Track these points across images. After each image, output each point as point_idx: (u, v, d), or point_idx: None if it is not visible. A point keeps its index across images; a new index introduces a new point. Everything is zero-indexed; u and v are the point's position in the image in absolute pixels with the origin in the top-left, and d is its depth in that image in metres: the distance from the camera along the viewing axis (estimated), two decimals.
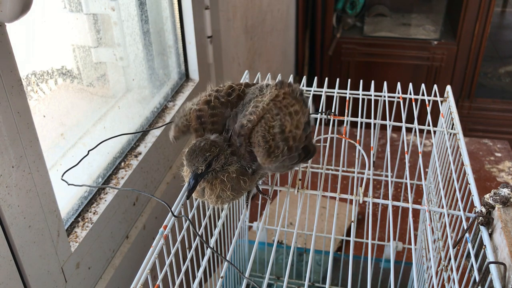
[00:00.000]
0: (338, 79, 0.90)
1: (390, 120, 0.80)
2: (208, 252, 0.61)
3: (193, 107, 0.63)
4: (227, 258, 0.57)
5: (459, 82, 2.66)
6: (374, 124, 0.83)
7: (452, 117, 0.80)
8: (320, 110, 0.83)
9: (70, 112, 0.86)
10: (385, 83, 0.88)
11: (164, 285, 0.55)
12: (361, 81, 0.90)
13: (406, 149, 0.76)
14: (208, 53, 1.32)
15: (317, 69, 2.79)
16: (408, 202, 0.63)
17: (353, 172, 0.76)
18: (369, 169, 0.70)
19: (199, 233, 0.60)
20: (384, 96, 0.86)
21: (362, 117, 0.83)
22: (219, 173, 0.59)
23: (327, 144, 0.78)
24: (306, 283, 0.54)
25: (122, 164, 0.96)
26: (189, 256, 0.62)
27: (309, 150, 0.62)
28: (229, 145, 0.60)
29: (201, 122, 0.61)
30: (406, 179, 0.70)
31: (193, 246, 0.63)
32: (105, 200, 0.86)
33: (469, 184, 0.64)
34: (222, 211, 0.67)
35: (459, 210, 0.62)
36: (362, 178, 0.67)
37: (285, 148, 0.58)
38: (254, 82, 0.73)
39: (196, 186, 0.57)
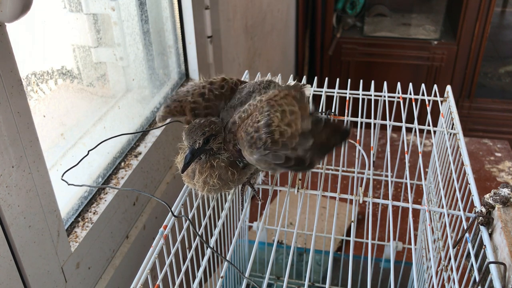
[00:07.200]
0: (338, 79, 0.90)
1: (390, 120, 0.80)
2: (208, 252, 0.60)
3: (188, 96, 0.63)
4: (227, 258, 0.57)
5: (459, 82, 2.66)
6: (374, 124, 0.83)
7: (452, 117, 0.80)
8: (320, 110, 0.83)
9: (70, 112, 0.86)
10: (385, 83, 0.88)
11: (164, 285, 0.55)
12: (361, 81, 0.89)
13: (406, 149, 0.76)
14: (208, 53, 1.32)
15: (317, 69, 2.79)
16: (408, 202, 0.63)
17: (353, 172, 0.76)
18: (369, 169, 0.70)
19: (199, 233, 0.60)
20: (384, 96, 0.86)
21: (362, 117, 0.83)
22: (211, 157, 0.60)
23: None
24: (306, 283, 0.54)
25: (122, 164, 0.96)
26: (189, 256, 0.62)
27: (303, 161, 0.56)
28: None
29: (195, 114, 0.61)
30: (406, 179, 0.70)
31: (193, 246, 0.63)
32: (105, 200, 0.86)
33: (469, 184, 0.64)
34: (222, 210, 0.67)
35: (459, 210, 0.62)
36: (362, 178, 0.67)
37: (269, 140, 0.55)
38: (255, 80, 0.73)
39: (192, 161, 0.58)
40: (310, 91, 0.76)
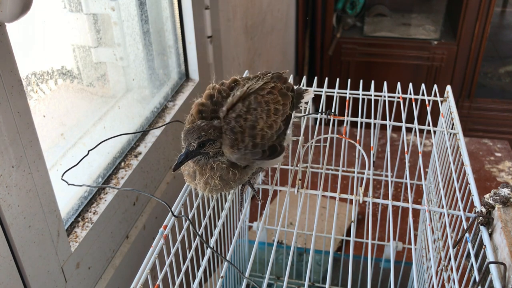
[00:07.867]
0: (338, 79, 0.90)
1: (390, 120, 0.80)
2: (208, 252, 0.60)
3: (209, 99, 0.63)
4: (227, 258, 0.57)
5: (459, 82, 2.66)
6: (374, 124, 0.83)
7: (452, 117, 0.80)
8: (320, 110, 0.83)
9: (70, 112, 0.86)
10: (385, 83, 0.88)
11: (164, 285, 0.55)
12: (361, 81, 0.89)
13: (406, 149, 0.76)
14: (208, 53, 1.32)
15: (317, 69, 2.79)
16: (408, 202, 0.63)
17: (353, 172, 0.76)
18: (369, 169, 0.70)
19: (199, 233, 0.60)
20: (384, 96, 0.86)
21: (362, 117, 0.83)
22: (211, 159, 0.60)
23: (327, 144, 0.78)
24: (306, 283, 0.54)
25: (122, 164, 0.96)
26: (189, 256, 0.62)
27: (275, 149, 0.61)
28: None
29: (203, 117, 0.61)
30: (406, 179, 0.70)
31: (193, 246, 0.63)
32: (105, 200, 0.86)
33: (469, 184, 0.64)
34: (222, 210, 0.67)
35: (459, 210, 0.62)
36: (362, 178, 0.67)
37: (250, 144, 0.58)
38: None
39: (184, 162, 0.59)
40: (311, 95, 0.76)
